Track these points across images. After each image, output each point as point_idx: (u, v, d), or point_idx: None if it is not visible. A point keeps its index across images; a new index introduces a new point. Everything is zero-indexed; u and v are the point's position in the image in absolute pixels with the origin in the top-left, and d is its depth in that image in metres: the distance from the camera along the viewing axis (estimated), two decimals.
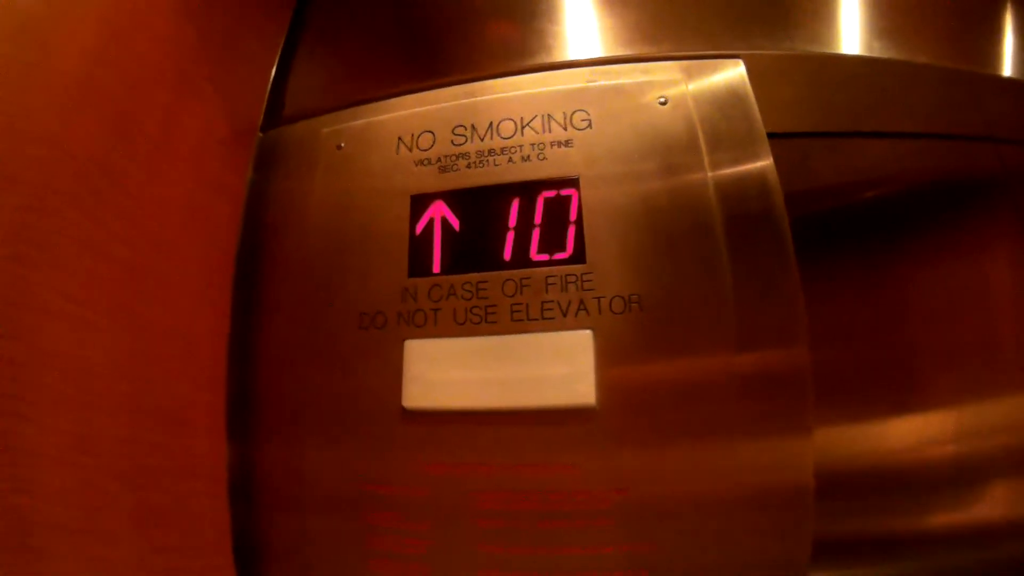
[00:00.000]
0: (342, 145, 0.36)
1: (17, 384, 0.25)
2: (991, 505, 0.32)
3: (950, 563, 0.31)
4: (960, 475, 0.31)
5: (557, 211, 0.32)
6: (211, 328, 0.35)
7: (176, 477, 0.32)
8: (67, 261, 0.27)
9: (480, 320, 0.31)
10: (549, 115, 0.34)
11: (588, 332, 0.29)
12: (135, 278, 0.31)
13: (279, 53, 0.42)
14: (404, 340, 0.31)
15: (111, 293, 0.29)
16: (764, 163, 0.32)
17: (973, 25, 0.41)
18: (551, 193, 0.32)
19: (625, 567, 0.28)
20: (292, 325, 0.34)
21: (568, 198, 0.32)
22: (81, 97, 0.28)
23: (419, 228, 0.33)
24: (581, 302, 0.30)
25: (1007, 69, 0.40)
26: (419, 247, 0.33)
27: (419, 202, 0.33)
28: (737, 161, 0.32)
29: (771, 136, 0.33)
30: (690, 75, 0.34)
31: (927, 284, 0.33)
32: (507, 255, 0.32)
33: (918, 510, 0.31)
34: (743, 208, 0.31)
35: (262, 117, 0.40)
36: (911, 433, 0.31)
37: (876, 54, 0.38)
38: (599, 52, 0.37)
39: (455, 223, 0.33)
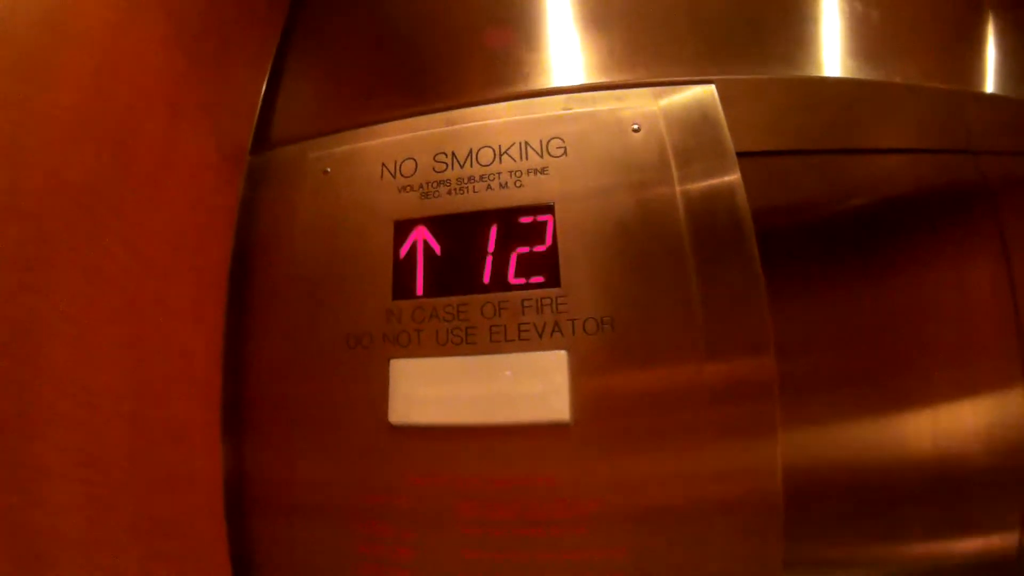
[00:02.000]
0: (328, 170, 0.38)
1: (25, 404, 0.26)
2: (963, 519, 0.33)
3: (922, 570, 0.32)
4: (934, 486, 0.33)
5: (533, 237, 0.33)
6: (206, 347, 0.36)
7: (175, 489, 0.33)
8: (70, 286, 0.28)
9: (461, 341, 0.32)
10: (526, 143, 0.35)
11: (563, 352, 0.31)
12: (134, 301, 0.32)
13: (266, 79, 0.43)
14: (389, 359, 0.33)
15: (112, 316, 0.31)
16: (732, 178, 0.33)
17: (950, 43, 0.42)
18: (528, 219, 0.33)
19: (599, 572, 0.30)
20: (283, 344, 0.35)
21: (544, 224, 0.33)
22: (78, 128, 0.29)
23: (403, 252, 0.34)
24: (556, 324, 0.32)
25: (986, 84, 0.41)
26: (402, 271, 0.34)
27: (402, 227, 0.35)
28: (705, 178, 0.33)
29: (743, 155, 0.34)
30: (663, 100, 0.35)
31: (905, 295, 0.34)
32: (486, 279, 0.33)
33: (891, 521, 0.32)
34: (711, 224, 0.32)
35: (251, 141, 0.41)
36: (885, 443, 0.32)
37: (852, 75, 0.39)
38: (576, 80, 0.39)
39: (437, 248, 0.34)
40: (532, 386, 0.31)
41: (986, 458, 0.33)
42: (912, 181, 0.36)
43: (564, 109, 0.36)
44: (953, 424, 0.33)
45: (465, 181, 0.35)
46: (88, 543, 0.28)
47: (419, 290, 0.34)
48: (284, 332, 0.36)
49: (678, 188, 0.33)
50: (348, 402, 0.33)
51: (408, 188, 0.36)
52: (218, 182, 0.38)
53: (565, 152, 0.35)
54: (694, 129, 0.35)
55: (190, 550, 0.33)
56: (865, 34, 0.40)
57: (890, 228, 0.35)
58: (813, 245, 0.35)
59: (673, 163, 0.34)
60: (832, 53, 0.40)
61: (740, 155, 0.34)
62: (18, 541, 0.26)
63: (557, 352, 0.31)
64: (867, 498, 0.32)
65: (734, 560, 0.29)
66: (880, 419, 0.33)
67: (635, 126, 0.35)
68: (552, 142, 0.35)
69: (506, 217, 0.34)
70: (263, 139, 0.42)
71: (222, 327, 0.37)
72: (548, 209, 0.33)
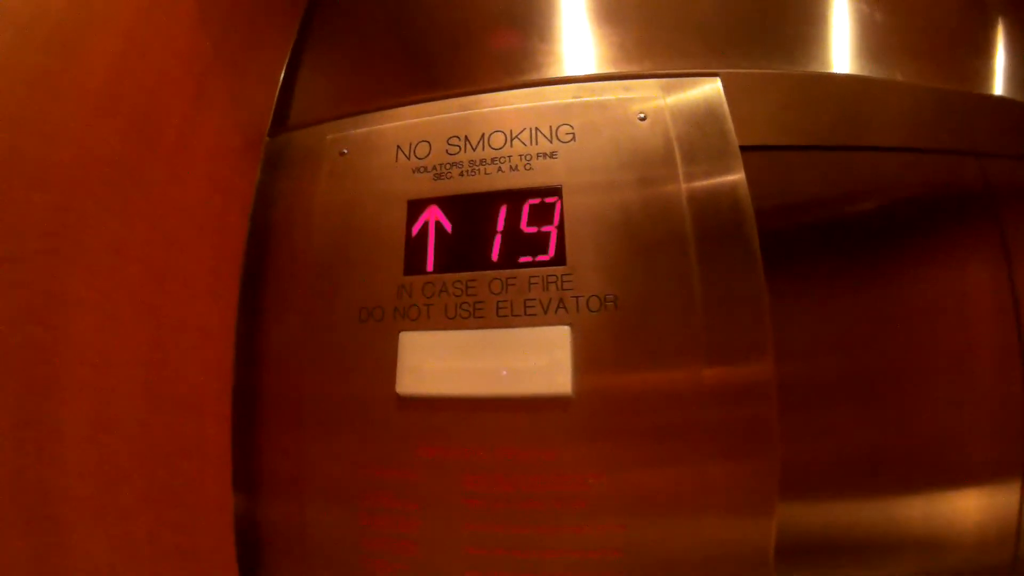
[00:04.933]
0: (345, 151, 0.39)
1: (46, 369, 0.27)
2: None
3: None
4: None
5: (541, 217, 0.34)
6: (222, 322, 0.37)
7: (186, 458, 0.34)
8: (95, 257, 0.29)
9: (469, 315, 0.33)
10: (536, 128, 0.36)
11: (566, 328, 0.32)
12: (154, 274, 0.33)
13: (286, 63, 0.44)
14: (399, 332, 0.34)
15: (133, 288, 0.32)
16: (736, 177, 0.34)
17: (956, 46, 0.43)
18: (536, 200, 0.34)
19: (598, 547, 0.30)
20: (296, 317, 0.36)
21: (552, 205, 0.34)
22: (106, 106, 0.30)
23: (415, 230, 0.35)
24: (561, 300, 0.33)
25: (993, 87, 0.41)
26: (414, 248, 0.35)
27: (415, 206, 0.36)
28: (710, 174, 0.34)
29: (746, 149, 0.35)
30: (669, 92, 0.36)
31: (905, 299, 0.35)
32: (495, 256, 0.34)
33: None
34: (714, 220, 0.33)
35: (270, 124, 0.42)
36: (881, 449, 0.33)
37: (856, 73, 0.40)
38: (586, 70, 0.40)
39: (448, 226, 0.35)
40: (536, 360, 0.31)
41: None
42: (915, 182, 0.37)
43: (574, 97, 0.37)
44: (953, 431, 0.33)
45: (477, 163, 0.36)
46: (100, 508, 0.29)
47: (430, 266, 0.35)
48: (298, 307, 0.36)
49: (682, 181, 0.34)
50: (358, 374, 0.34)
51: (422, 169, 0.37)
52: (239, 163, 0.39)
53: (574, 138, 0.36)
54: (699, 121, 0.35)
55: (197, 519, 0.34)
56: (870, 34, 0.41)
57: (892, 230, 0.36)
58: (813, 245, 0.35)
59: (678, 154, 0.35)
60: (839, 52, 0.41)
61: (744, 148, 0.35)
62: (31, 501, 0.26)
63: (561, 327, 0.32)
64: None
65: (726, 545, 0.30)
66: (874, 424, 0.33)
67: (641, 115, 0.36)
68: (561, 128, 0.36)
69: (515, 198, 0.35)
70: (281, 121, 0.43)
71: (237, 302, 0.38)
72: (556, 191, 0.34)
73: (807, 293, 0.34)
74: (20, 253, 0.27)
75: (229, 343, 0.37)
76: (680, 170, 0.34)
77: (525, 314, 0.33)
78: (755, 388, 0.31)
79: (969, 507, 0.34)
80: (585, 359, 0.32)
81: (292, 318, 0.36)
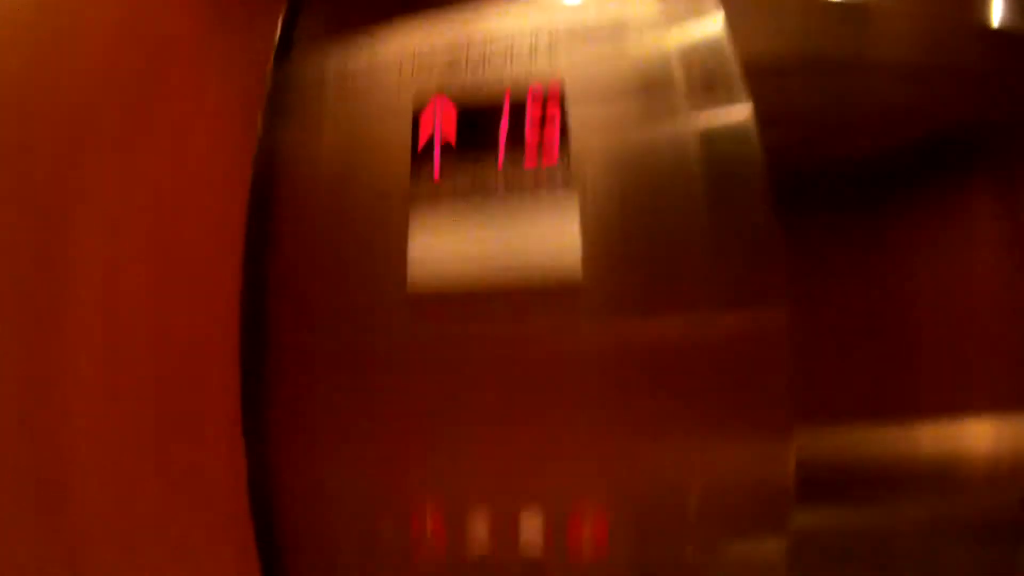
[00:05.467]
0: (348, 73, 0.40)
1: (51, 321, 0.27)
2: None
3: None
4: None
5: (545, 124, 0.34)
6: (228, 265, 0.36)
7: (195, 421, 0.34)
8: (105, 196, 0.29)
9: (479, 205, 0.34)
10: (537, 41, 0.36)
11: (573, 197, 0.32)
12: (162, 217, 0.33)
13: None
14: (408, 227, 0.34)
15: (141, 229, 0.32)
16: (742, 106, 0.34)
17: None
18: (538, 111, 0.34)
19: (607, 457, 0.31)
20: (303, 235, 0.37)
21: (555, 114, 0.34)
22: (114, 54, 0.31)
23: (421, 141, 0.36)
24: (569, 197, 0.33)
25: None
26: (421, 158, 0.35)
27: (420, 117, 0.36)
28: (716, 102, 0.34)
29: (750, 72, 0.34)
30: (670, 15, 0.36)
31: (916, 223, 0.34)
32: (499, 166, 0.34)
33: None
34: (721, 150, 0.33)
35: (272, 57, 0.42)
36: (893, 376, 0.33)
37: None
38: None
39: (453, 132, 0.35)
40: (544, 238, 0.32)
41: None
42: (922, 107, 0.37)
43: (575, 15, 0.37)
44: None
45: (480, 75, 0.36)
46: (107, 474, 0.29)
47: (436, 174, 0.35)
48: (305, 225, 0.37)
49: (687, 111, 0.34)
50: (367, 272, 0.35)
51: (425, 82, 0.37)
52: (246, 107, 0.39)
53: (576, 51, 0.36)
54: (701, 46, 0.35)
55: (211, 488, 0.33)
56: None
57: (898, 160, 0.35)
58: (818, 177, 0.35)
59: (681, 80, 0.34)
60: None
61: (747, 74, 0.34)
62: (39, 465, 0.25)
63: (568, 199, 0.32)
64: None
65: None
66: (880, 375, 0.32)
67: (643, 37, 0.36)
68: (562, 42, 0.36)
69: (518, 107, 0.35)
70: (285, 54, 0.43)
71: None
72: (559, 100, 0.34)
73: (812, 224, 0.34)
74: (30, 180, 0.27)
75: (236, 287, 0.36)
76: (683, 100, 0.34)
77: (533, 201, 0.33)
78: (767, 337, 0.30)
79: (983, 437, 0.33)
80: (593, 237, 0.32)
81: (299, 235, 0.37)
